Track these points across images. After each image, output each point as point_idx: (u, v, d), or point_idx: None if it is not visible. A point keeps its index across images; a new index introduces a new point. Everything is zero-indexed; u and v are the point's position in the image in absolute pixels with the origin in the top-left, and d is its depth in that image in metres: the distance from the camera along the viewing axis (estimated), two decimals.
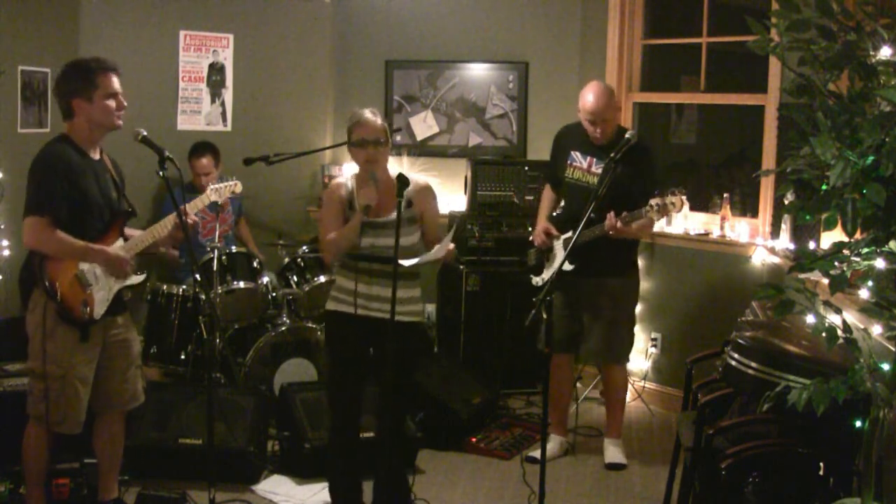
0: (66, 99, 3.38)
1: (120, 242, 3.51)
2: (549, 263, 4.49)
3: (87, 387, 3.46)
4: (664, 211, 4.04)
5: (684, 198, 4.05)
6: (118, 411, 3.63)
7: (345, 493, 3.64)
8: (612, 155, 3.93)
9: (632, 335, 4.62)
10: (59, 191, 3.28)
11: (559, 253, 4.42)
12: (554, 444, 4.54)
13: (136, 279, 3.57)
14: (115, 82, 3.40)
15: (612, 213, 4.09)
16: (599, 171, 4.32)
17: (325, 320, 3.65)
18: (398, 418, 3.63)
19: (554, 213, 4.59)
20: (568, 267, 4.34)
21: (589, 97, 4.26)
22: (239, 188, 4.14)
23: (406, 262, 3.28)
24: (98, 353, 3.48)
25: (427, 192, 3.55)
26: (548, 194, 4.68)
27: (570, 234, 4.35)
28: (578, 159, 4.42)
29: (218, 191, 4.00)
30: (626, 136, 4.17)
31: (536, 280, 4.54)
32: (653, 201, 4.03)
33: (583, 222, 3.70)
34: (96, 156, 3.48)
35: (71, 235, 3.33)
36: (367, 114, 3.45)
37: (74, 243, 3.34)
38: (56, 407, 3.38)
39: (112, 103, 3.38)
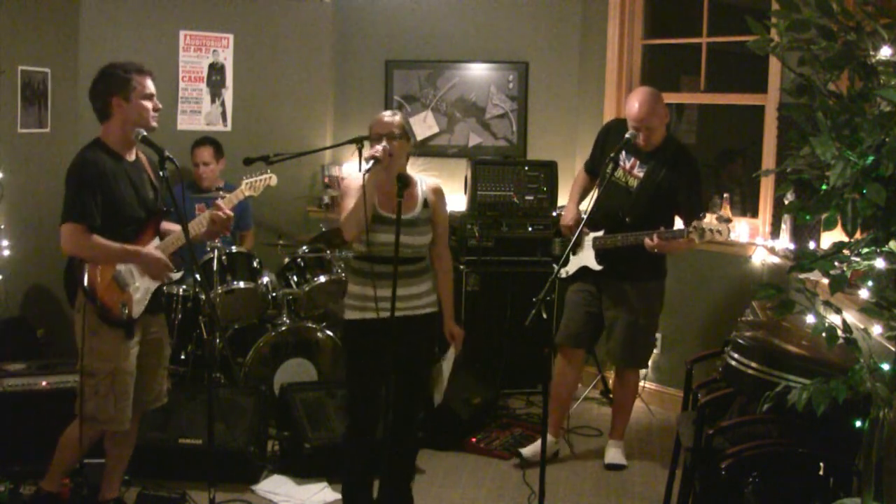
0: (104, 98, 3.38)
1: (156, 241, 3.52)
2: (575, 257, 4.43)
3: (133, 381, 3.47)
4: (705, 237, 3.91)
5: (731, 226, 3.92)
6: (137, 411, 3.61)
7: (358, 494, 3.63)
8: (610, 155, 3.92)
9: (652, 341, 4.58)
10: (92, 198, 3.30)
11: (588, 251, 4.38)
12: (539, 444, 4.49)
13: (174, 277, 3.58)
14: (151, 85, 3.44)
15: (654, 235, 4.05)
16: (641, 174, 4.27)
17: (346, 330, 3.63)
18: (412, 417, 3.64)
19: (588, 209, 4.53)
20: (596, 267, 4.32)
21: (634, 104, 4.16)
22: (274, 181, 4.05)
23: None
24: (138, 350, 3.49)
25: (441, 194, 3.63)
26: (581, 179, 4.63)
27: (601, 232, 4.32)
28: (622, 158, 4.30)
29: (252, 185, 3.96)
30: (627, 136, 4.16)
31: (562, 272, 4.43)
32: (696, 223, 3.92)
33: (583, 220, 3.67)
34: (131, 157, 3.49)
35: (107, 238, 3.34)
36: (385, 112, 3.54)
37: (111, 246, 3.35)
38: (106, 403, 3.39)
39: (148, 104, 3.41)
